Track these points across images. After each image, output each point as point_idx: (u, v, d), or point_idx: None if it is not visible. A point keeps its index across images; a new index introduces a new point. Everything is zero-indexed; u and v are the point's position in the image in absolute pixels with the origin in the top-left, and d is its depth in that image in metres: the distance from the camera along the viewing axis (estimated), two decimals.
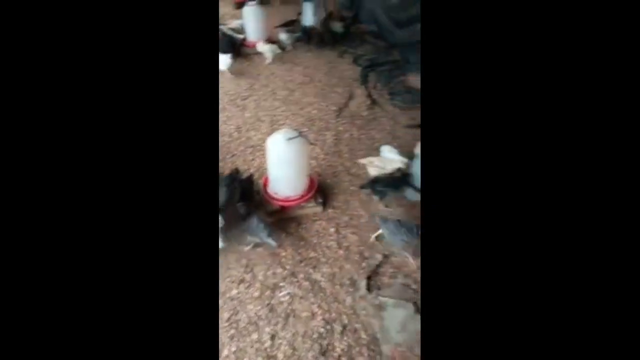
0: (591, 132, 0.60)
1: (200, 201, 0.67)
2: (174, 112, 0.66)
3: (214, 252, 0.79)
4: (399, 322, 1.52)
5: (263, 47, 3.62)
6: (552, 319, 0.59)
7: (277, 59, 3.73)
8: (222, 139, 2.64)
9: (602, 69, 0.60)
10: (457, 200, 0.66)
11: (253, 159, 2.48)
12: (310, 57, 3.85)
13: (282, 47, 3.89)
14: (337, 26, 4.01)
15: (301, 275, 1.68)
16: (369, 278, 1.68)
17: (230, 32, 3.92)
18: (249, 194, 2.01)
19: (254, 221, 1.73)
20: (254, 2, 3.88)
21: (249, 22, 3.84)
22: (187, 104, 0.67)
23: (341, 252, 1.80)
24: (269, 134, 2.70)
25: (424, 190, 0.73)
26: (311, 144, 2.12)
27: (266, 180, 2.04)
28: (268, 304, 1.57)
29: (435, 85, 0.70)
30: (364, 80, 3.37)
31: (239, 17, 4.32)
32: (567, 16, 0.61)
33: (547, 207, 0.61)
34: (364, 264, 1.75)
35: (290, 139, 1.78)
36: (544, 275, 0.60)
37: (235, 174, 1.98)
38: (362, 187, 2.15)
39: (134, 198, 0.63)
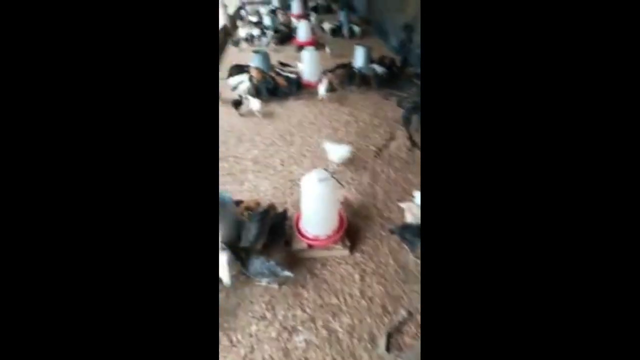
0: (587, 135, 0.58)
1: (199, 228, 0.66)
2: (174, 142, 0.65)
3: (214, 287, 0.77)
4: None
5: (318, 88, 3.75)
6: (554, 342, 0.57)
7: (326, 99, 3.82)
8: (267, 172, 2.71)
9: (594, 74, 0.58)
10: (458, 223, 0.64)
11: (292, 193, 2.48)
12: (358, 98, 3.86)
13: (333, 88, 3.99)
14: (382, 70, 3.99)
15: (320, 322, 1.57)
16: (389, 336, 1.51)
17: (286, 73, 4.13)
18: (281, 229, 1.99)
19: (256, 263, 1.68)
20: (312, 47, 4.06)
21: (306, 64, 4.01)
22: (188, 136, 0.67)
23: (364, 302, 1.66)
24: (309, 169, 2.73)
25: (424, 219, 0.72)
26: (342, 186, 2.06)
27: (299, 216, 2.01)
28: (283, 348, 1.48)
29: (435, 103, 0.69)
30: (406, 122, 3.25)
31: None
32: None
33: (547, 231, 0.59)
34: (386, 319, 1.58)
35: (322, 180, 1.74)
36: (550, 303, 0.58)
37: (269, 209, 1.98)
38: (391, 231, 2.00)
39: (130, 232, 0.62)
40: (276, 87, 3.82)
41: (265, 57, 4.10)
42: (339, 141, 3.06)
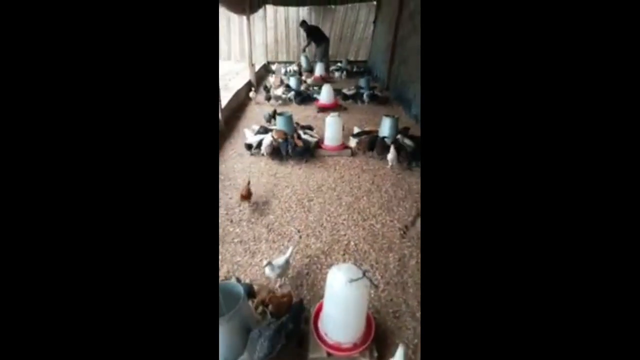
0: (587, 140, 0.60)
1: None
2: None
3: None
4: None
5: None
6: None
7: (346, 163, 3.72)
8: (282, 242, 2.47)
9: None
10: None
11: (308, 273, 2.21)
12: (379, 166, 3.75)
13: (354, 153, 3.94)
14: (407, 141, 3.92)
15: None
16: None
17: (307, 136, 4.12)
18: (296, 324, 1.67)
19: None
20: (336, 113, 4.09)
21: (328, 129, 4.00)
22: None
23: None
24: (328, 244, 2.48)
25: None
26: (376, 286, 1.79)
27: (318, 311, 1.71)
28: None
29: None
30: None
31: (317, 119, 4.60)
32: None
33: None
34: None
35: (352, 280, 1.47)
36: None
37: (287, 321, 1.58)
38: None
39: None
40: (295, 148, 3.77)
41: (289, 119, 4.14)
42: (362, 211, 2.85)
